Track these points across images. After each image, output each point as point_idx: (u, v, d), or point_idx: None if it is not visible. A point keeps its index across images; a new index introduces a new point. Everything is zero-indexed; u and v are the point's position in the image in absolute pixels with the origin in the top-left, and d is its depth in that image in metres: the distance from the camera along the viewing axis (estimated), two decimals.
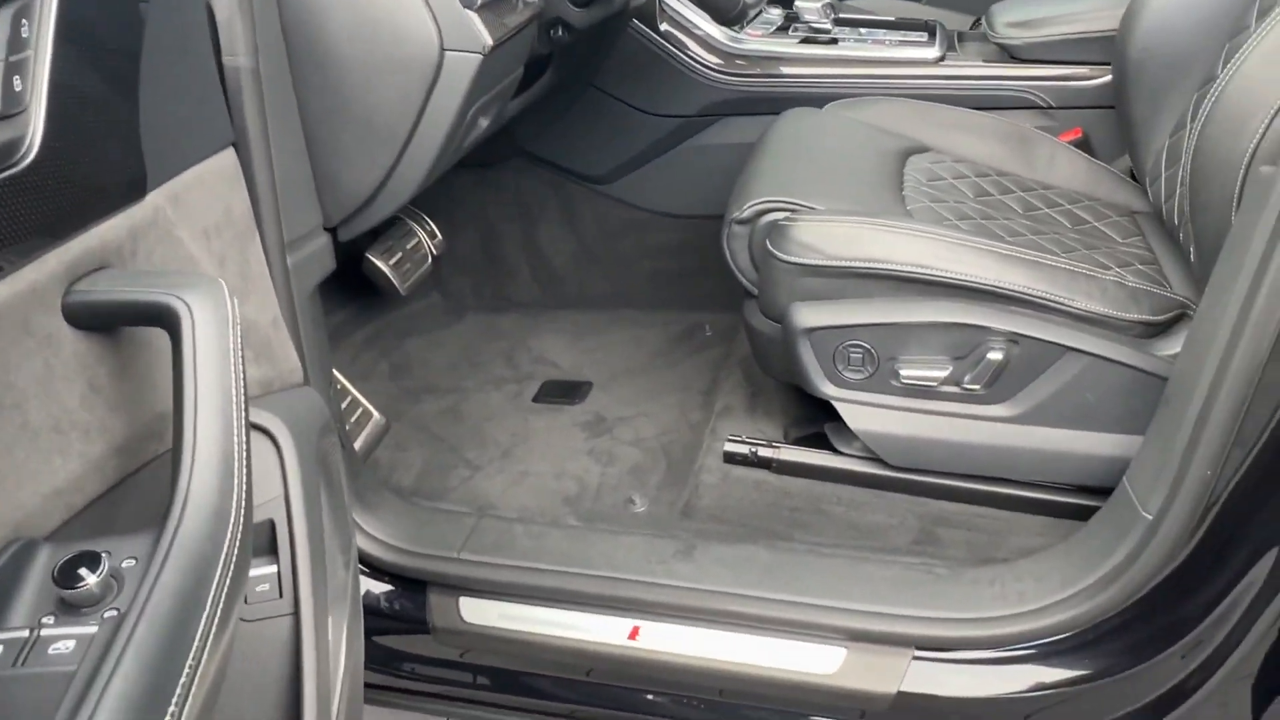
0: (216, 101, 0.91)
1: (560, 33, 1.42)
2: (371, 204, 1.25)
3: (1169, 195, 1.40)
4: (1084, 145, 1.70)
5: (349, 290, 1.91)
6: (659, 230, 1.98)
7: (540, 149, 1.94)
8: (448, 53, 1.12)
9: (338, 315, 1.90)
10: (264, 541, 0.76)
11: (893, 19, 1.96)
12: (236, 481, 0.51)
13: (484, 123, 1.38)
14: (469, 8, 1.11)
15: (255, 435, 0.79)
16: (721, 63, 1.81)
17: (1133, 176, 1.63)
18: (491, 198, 2.03)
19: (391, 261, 1.77)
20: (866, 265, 1.25)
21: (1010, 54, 1.74)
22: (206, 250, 0.79)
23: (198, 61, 0.88)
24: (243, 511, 0.51)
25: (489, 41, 1.11)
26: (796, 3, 1.84)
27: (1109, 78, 1.65)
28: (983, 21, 1.88)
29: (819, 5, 1.80)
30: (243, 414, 0.54)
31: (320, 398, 0.98)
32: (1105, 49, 1.65)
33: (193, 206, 0.79)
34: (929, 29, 1.88)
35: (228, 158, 0.88)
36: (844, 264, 1.25)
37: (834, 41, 1.82)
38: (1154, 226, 1.50)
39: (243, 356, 0.58)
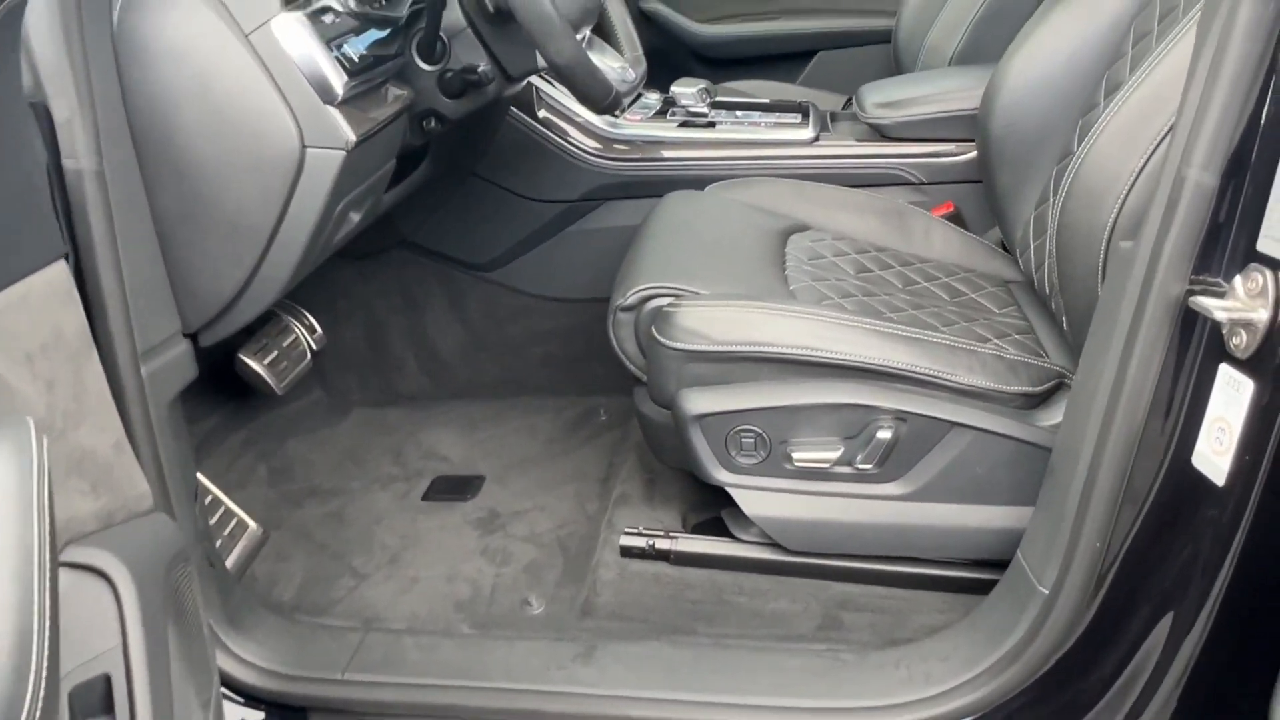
0: (42, 210, 0.84)
1: (433, 124, 1.39)
2: (234, 307, 1.18)
3: (1039, 265, 1.45)
4: (956, 219, 1.75)
5: (223, 392, 1.81)
6: (548, 315, 1.95)
7: (424, 238, 1.90)
8: (309, 149, 1.08)
9: (210, 419, 1.80)
10: (98, 700, 0.68)
11: (767, 101, 2.01)
12: (34, 659, 0.44)
13: (355, 217, 1.34)
14: (330, 103, 1.07)
15: (88, 579, 0.71)
16: (601, 148, 1.81)
17: (1004, 247, 1.68)
18: (375, 289, 1.97)
19: (266, 360, 1.69)
20: (753, 349, 1.24)
21: (881, 133, 1.80)
22: (29, 376, 0.72)
23: (18, 168, 0.81)
24: (42, 693, 0.44)
25: (352, 138, 1.08)
26: (673, 88, 1.86)
27: (975, 153, 1.71)
28: (853, 102, 1.94)
29: (695, 90, 1.83)
30: (47, 574, 0.47)
31: (172, 524, 0.90)
32: (969, 126, 1.71)
33: (11, 329, 0.71)
34: (802, 110, 1.92)
35: (57, 271, 0.81)
36: (730, 349, 1.24)
37: (711, 125, 1.84)
38: (1027, 295, 1.54)
39: (50, 503, 0.51)
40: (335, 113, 1.07)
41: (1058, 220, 1.24)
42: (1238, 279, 0.87)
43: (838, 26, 2.72)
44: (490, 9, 1.29)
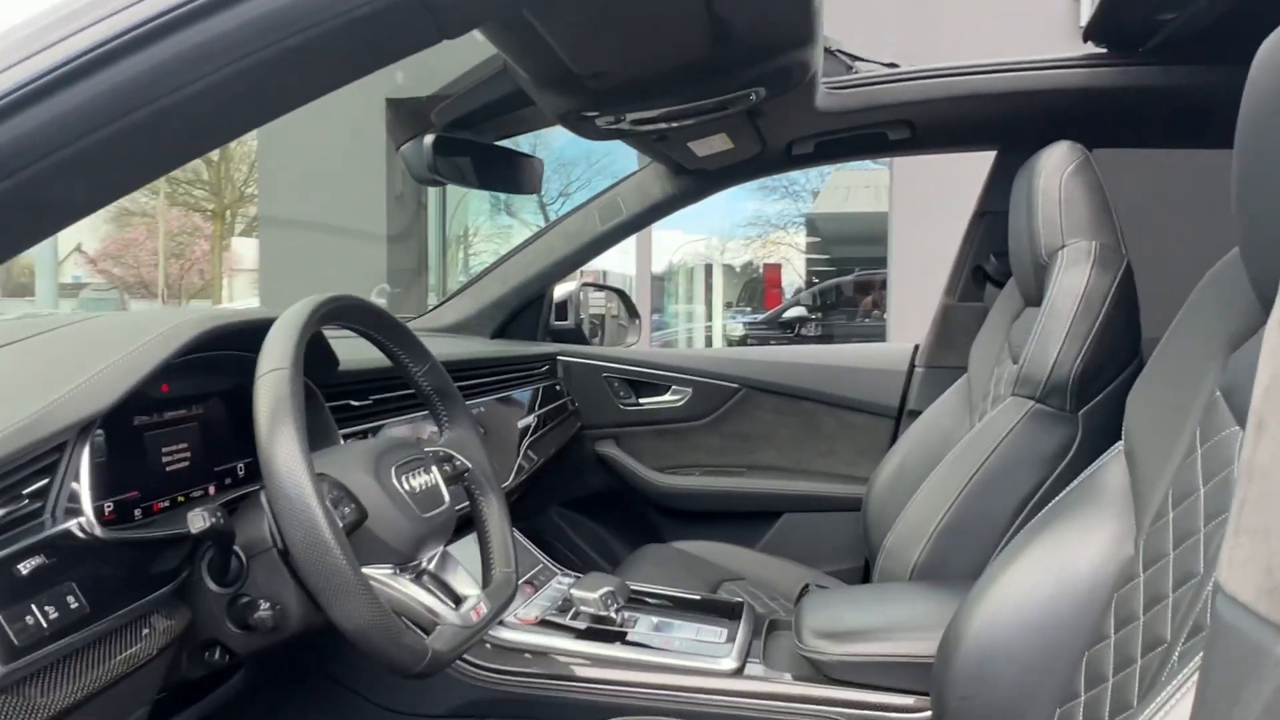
0: None
1: (218, 657, 1.08)
2: None
3: None
4: None
5: None
6: None
7: None
8: None
9: None
10: None
11: (698, 598, 1.71)
12: None
13: None
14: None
15: None
16: (479, 654, 1.49)
17: None
18: None
19: None
20: None
21: (820, 670, 1.46)
22: None
23: None
24: None
25: None
26: (573, 590, 1.57)
27: (931, 713, 1.37)
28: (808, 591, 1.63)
29: (599, 594, 1.53)
30: None
31: None
32: (924, 677, 1.38)
33: None
34: (734, 613, 1.61)
35: None
36: None
37: (622, 634, 1.52)
38: None
39: None
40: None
41: None
42: None
43: (806, 489, 2.50)
44: (281, 546, 1.03)
